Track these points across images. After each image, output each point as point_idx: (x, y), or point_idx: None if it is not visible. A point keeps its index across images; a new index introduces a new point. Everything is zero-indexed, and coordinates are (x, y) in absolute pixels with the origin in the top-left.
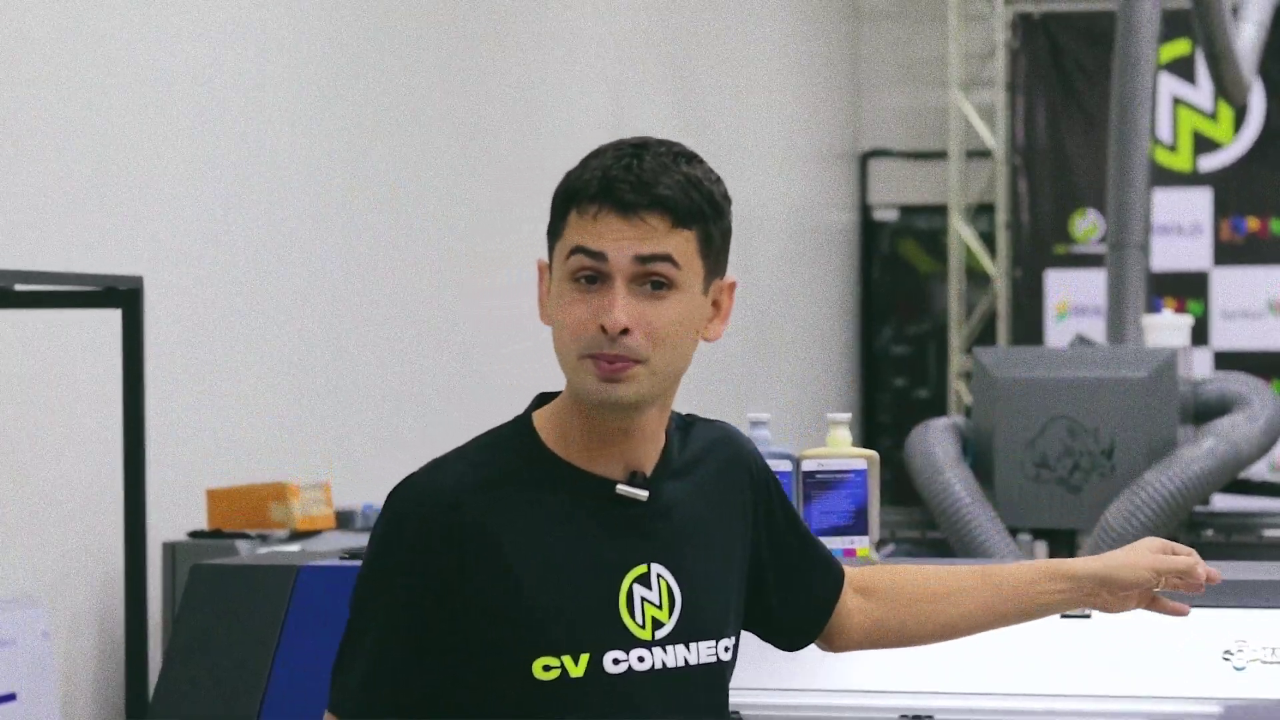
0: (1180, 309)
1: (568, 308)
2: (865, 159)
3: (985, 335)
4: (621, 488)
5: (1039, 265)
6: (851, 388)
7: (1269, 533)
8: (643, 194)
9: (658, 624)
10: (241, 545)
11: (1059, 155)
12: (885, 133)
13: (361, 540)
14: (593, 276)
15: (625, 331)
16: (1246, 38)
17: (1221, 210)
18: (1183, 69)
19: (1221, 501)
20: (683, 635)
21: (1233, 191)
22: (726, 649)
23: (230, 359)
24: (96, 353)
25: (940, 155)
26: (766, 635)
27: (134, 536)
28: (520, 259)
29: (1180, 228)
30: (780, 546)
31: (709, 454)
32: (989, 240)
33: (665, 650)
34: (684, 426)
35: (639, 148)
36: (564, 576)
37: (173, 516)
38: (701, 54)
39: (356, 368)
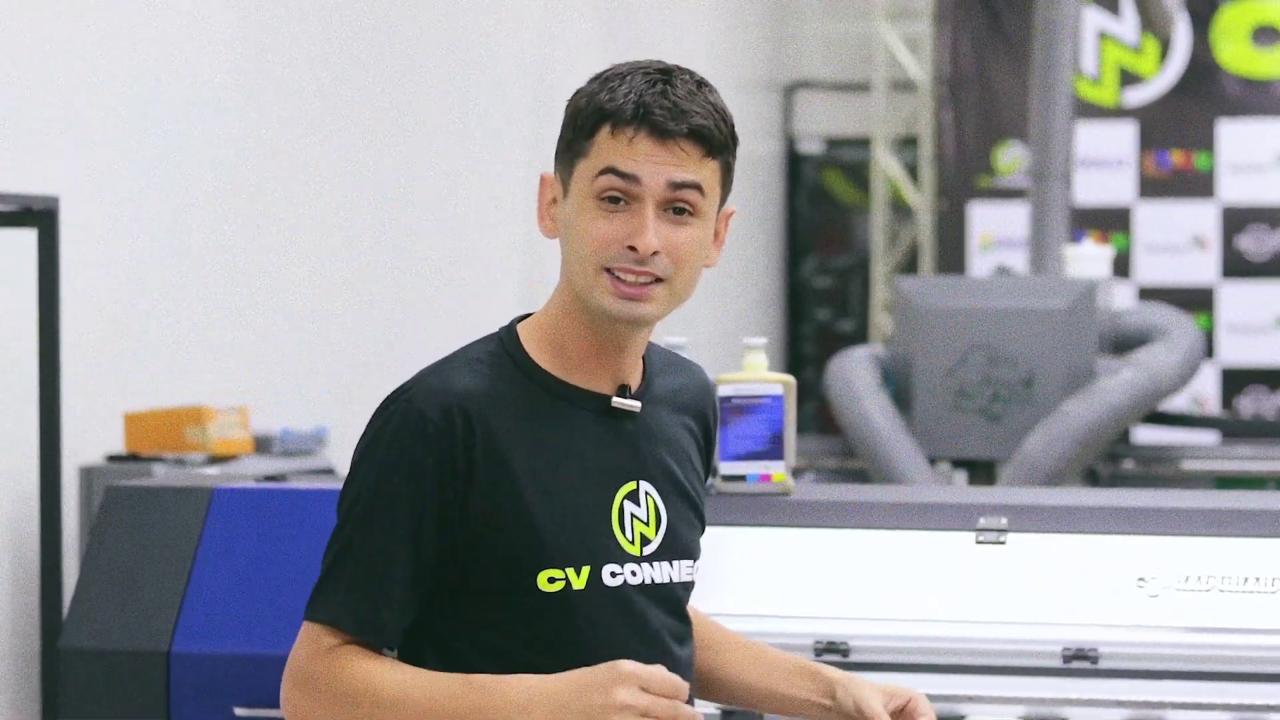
0: (1103, 242)
1: (590, 223)
2: (790, 90)
3: (909, 268)
4: (617, 400)
5: (963, 198)
6: (775, 319)
7: (1187, 464)
8: (680, 121)
9: (645, 540)
10: (158, 469)
11: (984, 87)
12: (811, 64)
13: (279, 465)
14: (616, 197)
15: (654, 254)
16: None
17: (1146, 144)
18: (1108, 2)
19: (1145, 434)
20: (666, 553)
21: (1157, 125)
22: (692, 570)
23: (148, 282)
24: (11, 274)
25: (865, 87)
26: None
27: (48, 460)
28: (443, 184)
29: (1104, 161)
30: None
31: (681, 385)
32: (914, 172)
33: (653, 566)
34: (657, 352)
35: (665, 73)
36: (562, 491)
37: (90, 440)
38: None
39: (277, 291)
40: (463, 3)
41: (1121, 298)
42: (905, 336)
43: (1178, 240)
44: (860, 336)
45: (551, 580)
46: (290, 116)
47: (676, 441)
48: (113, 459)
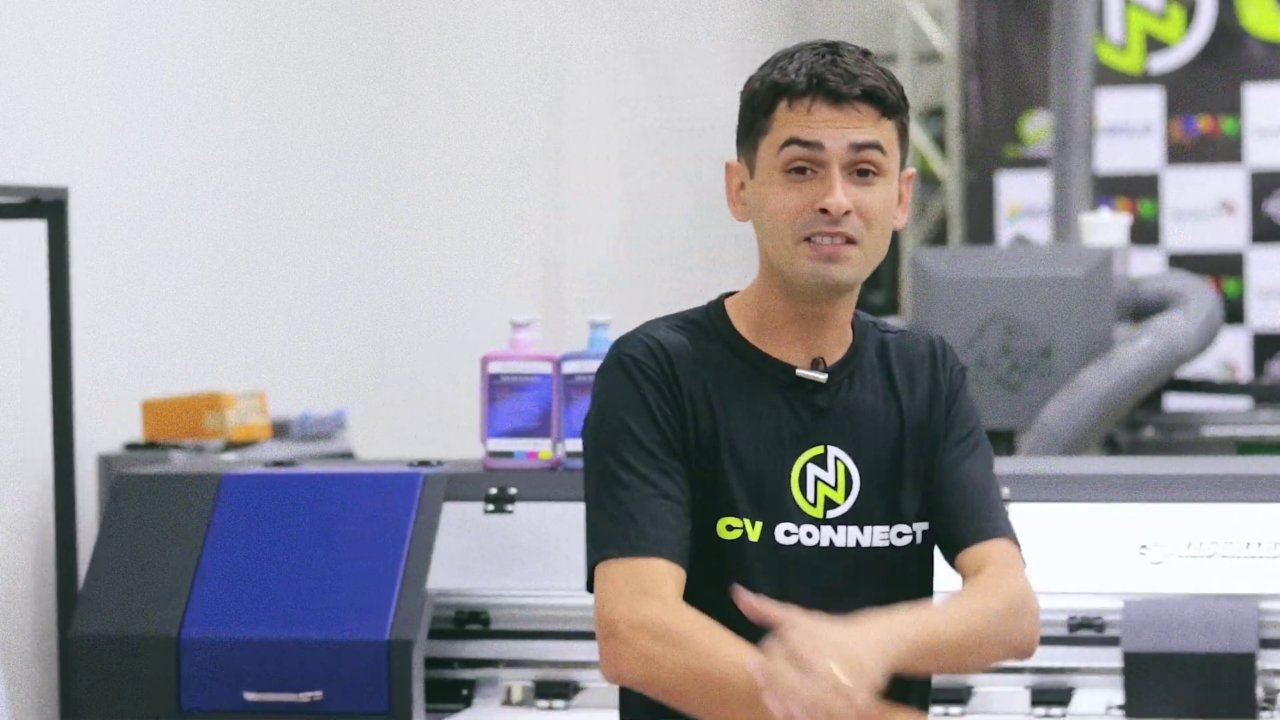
0: (1132, 210)
1: (781, 196)
2: None
3: (938, 238)
4: (801, 371)
5: (990, 167)
6: None
7: (1208, 431)
8: (853, 84)
9: (831, 504)
10: (176, 456)
11: (1009, 57)
12: (836, 37)
13: (298, 449)
14: (802, 167)
15: (846, 213)
16: None
17: (1172, 110)
18: None
19: (1177, 401)
20: (857, 518)
21: (1184, 92)
22: (902, 535)
23: (161, 270)
24: (23, 265)
25: (891, 59)
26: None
27: (62, 448)
28: (455, 163)
29: (1131, 128)
30: (943, 461)
31: (911, 358)
32: (940, 143)
33: (836, 530)
34: (884, 331)
35: (831, 46)
36: (743, 449)
37: (109, 429)
38: None
39: (293, 274)
40: None
41: (1150, 264)
42: (923, 308)
43: (1206, 206)
44: (891, 308)
45: (730, 529)
46: (300, 101)
47: (889, 410)
48: (131, 447)
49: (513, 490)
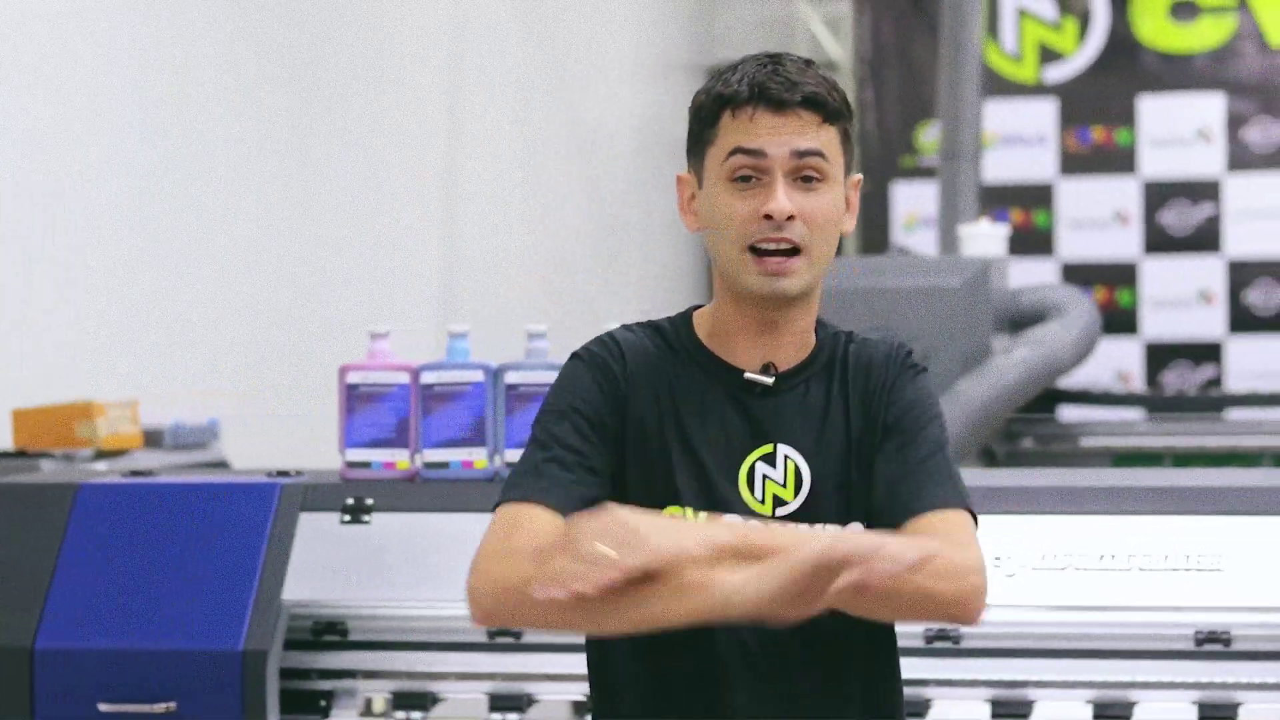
0: (1026, 220)
1: (727, 205)
2: (713, 72)
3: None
4: (749, 374)
5: (886, 177)
6: (702, 299)
7: (1086, 442)
8: (794, 91)
9: (780, 501)
10: (46, 465)
11: (906, 67)
12: (733, 46)
13: (170, 459)
14: (748, 176)
15: (790, 218)
16: None
17: (1067, 121)
18: None
19: (1069, 413)
20: (807, 516)
21: (1078, 102)
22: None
23: (34, 276)
24: None
25: None
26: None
27: None
28: (343, 180)
29: (1025, 138)
30: (883, 451)
31: (859, 361)
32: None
33: (784, 527)
34: (845, 339)
35: (773, 57)
36: (692, 445)
37: None
38: None
39: (168, 283)
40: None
41: (1044, 274)
42: None
43: (1100, 216)
44: None
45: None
46: (180, 104)
47: (841, 413)
48: (1, 455)
49: (369, 501)
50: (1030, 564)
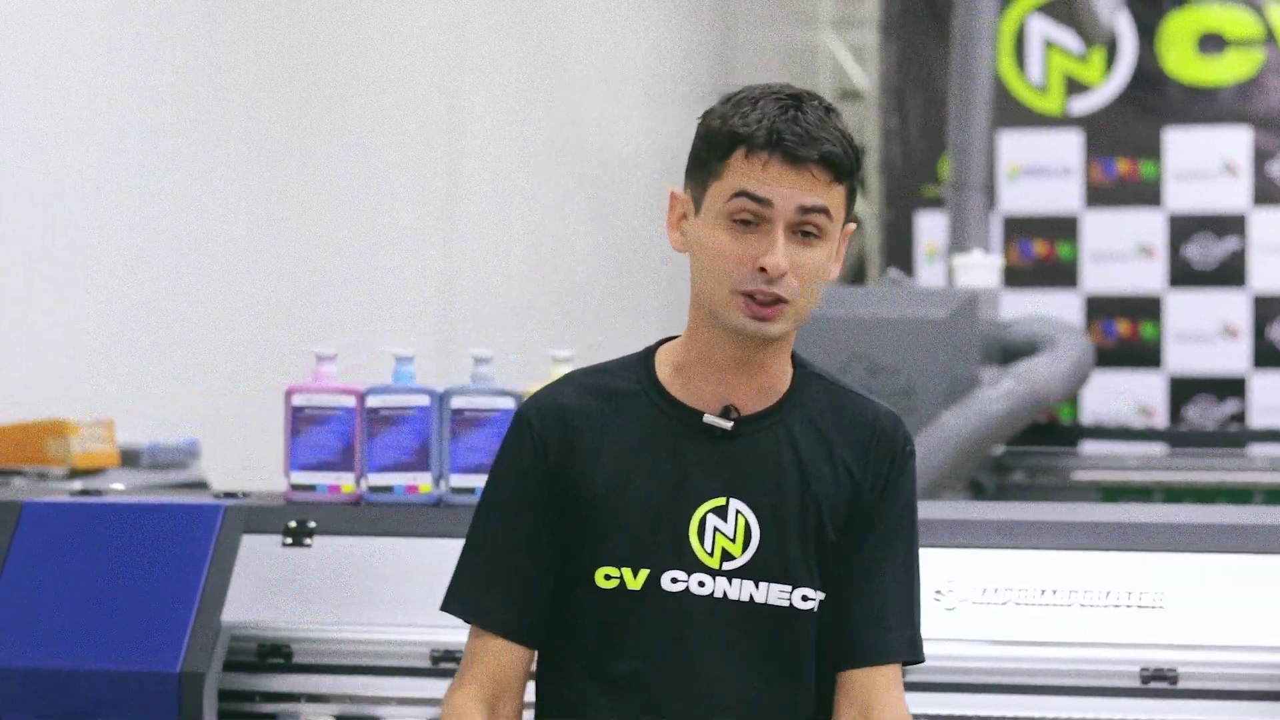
0: (1050, 252)
1: (723, 244)
2: None
3: (856, 277)
4: (708, 418)
5: (910, 206)
6: None
7: (1076, 475)
8: (812, 148)
9: (728, 555)
10: (18, 482)
11: (929, 96)
12: (756, 73)
13: (147, 478)
14: (749, 219)
15: (782, 275)
16: None
17: (1092, 152)
18: (1055, 11)
19: (1090, 447)
20: (754, 573)
21: (1104, 134)
22: (806, 600)
23: (7, 290)
24: None
25: None
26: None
27: None
28: (326, 196)
29: (1050, 170)
30: (860, 552)
31: (850, 420)
32: (860, 182)
33: (731, 582)
34: (835, 391)
35: (795, 99)
36: (639, 495)
37: None
38: None
39: (146, 299)
40: (369, 3)
41: (1068, 307)
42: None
43: (1124, 249)
44: None
45: (608, 578)
46: (159, 116)
47: (816, 471)
48: None
49: (312, 524)
50: (971, 598)
